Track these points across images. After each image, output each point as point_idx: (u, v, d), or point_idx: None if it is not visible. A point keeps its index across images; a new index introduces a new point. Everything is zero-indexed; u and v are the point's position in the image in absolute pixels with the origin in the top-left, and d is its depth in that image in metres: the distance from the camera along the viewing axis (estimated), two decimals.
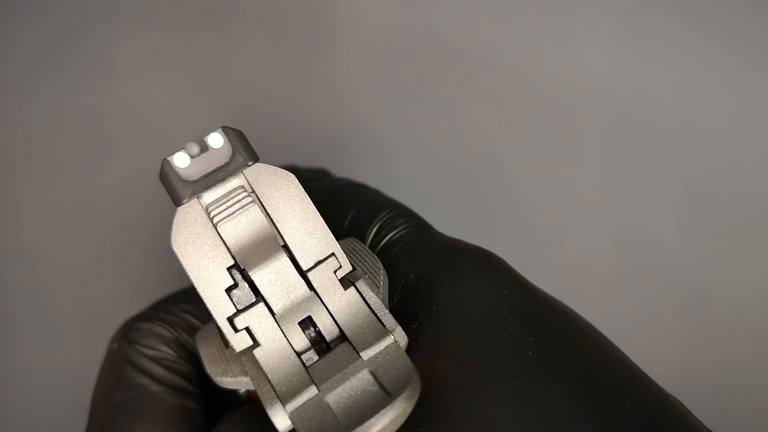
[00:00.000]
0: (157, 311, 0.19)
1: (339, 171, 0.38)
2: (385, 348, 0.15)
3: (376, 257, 0.18)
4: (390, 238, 0.19)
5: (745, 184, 0.36)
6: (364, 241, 0.20)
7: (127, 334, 0.18)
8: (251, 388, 0.15)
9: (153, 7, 0.39)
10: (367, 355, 0.15)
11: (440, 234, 0.20)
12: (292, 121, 0.38)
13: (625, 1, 0.38)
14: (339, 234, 0.20)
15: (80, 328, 0.36)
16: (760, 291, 0.36)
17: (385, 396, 0.14)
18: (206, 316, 0.18)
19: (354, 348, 0.15)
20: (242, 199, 0.15)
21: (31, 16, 0.39)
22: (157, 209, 0.37)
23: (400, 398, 0.14)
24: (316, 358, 0.15)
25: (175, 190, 0.16)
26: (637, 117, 0.37)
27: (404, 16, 0.39)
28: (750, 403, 0.35)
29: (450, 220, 0.37)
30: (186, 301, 0.19)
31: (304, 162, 0.37)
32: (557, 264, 0.37)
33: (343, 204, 0.21)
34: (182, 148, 0.16)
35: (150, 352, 0.18)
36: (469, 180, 0.38)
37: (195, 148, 0.16)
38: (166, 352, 0.18)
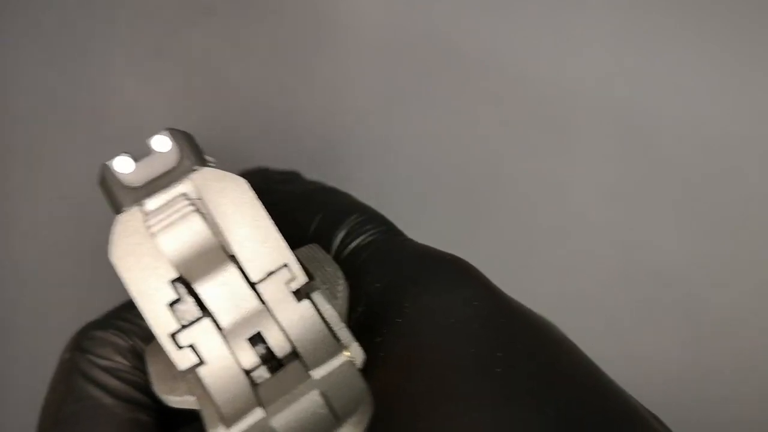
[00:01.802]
0: (113, 318, 0.18)
1: (339, 171, 0.38)
2: (339, 366, 0.14)
3: (337, 266, 0.17)
4: (358, 243, 0.19)
5: (746, 184, 0.36)
6: (329, 247, 0.19)
7: (80, 343, 0.18)
8: (197, 407, 0.14)
9: (153, 5, 0.39)
10: (318, 374, 0.14)
11: (411, 241, 0.19)
12: (292, 120, 0.38)
13: (626, 1, 0.37)
14: (304, 239, 0.19)
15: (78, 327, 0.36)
16: (760, 293, 0.35)
17: (333, 420, 0.13)
18: None
19: (305, 365, 0.14)
20: (182, 207, 0.14)
21: (31, 15, 0.39)
22: None
23: (346, 424, 0.13)
24: (267, 375, 0.14)
25: (114, 197, 0.15)
26: (637, 117, 0.37)
27: (404, 16, 0.39)
28: (750, 405, 0.35)
29: (450, 220, 0.37)
30: None
31: (304, 163, 0.37)
32: (557, 264, 0.37)
33: (312, 208, 0.21)
34: (124, 151, 0.15)
35: (103, 363, 0.17)
36: (469, 180, 0.37)
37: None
38: (120, 362, 0.17)
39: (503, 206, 0.37)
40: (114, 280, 0.36)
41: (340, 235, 0.19)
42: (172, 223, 0.14)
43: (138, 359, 0.17)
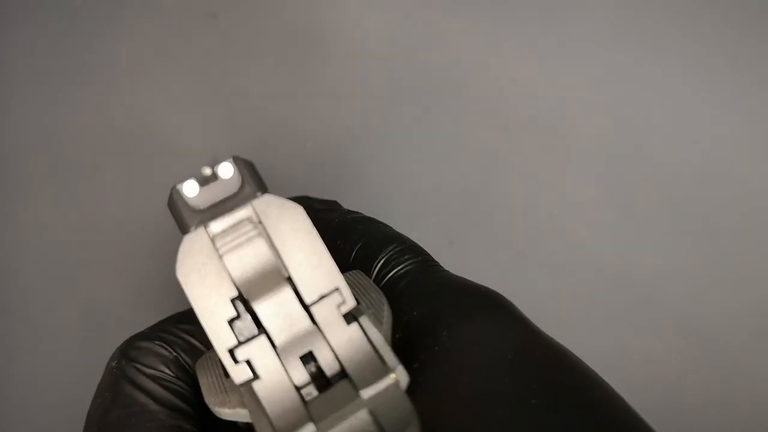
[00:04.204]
0: (158, 331, 0.19)
1: (340, 172, 0.38)
2: (386, 387, 0.15)
3: (380, 292, 0.18)
4: (395, 272, 0.19)
5: (737, 192, 0.37)
6: (369, 275, 0.20)
7: (127, 352, 0.18)
8: (249, 420, 0.15)
9: (156, 9, 0.40)
10: (367, 393, 0.14)
11: (446, 272, 0.20)
12: (292, 124, 0.39)
13: (619, 10, 0.38)
14: (345, 266, 0.20)
15: (83, 333, 0.36)
16: (749, 297, 0.36)
17: None
18: (207, 338, 0.18)
19: (354, 385, 0.15)
20: (249, 231, 0.15)
21: (36, 18, 0.39)
22: (158, 210, 0.37)
23: None
24: (315, 393, 0.15)
25: (182, 218, 0.15)
26: (631, 126, 0.38)
27: (405, 27, 0.40)
28: (736, 410, 0.35)
29: (449, 224, 0.38)
30: (187, 322, 0.19)
31: (303, 167, 0.38)
32: (550, 266, 0.37)
33: (351, 236, 0.21)
34: (192, 176, 0.16)
35: (149, 371, 0.18)
36: (467, 183, 0.38)
37: (207, 170, 0.16)
38: (165, 372, 0.18)
39: (499, 209, 0.38)
40: (117, 286, 0.36)
41: (379, 263, 0.20)
42: (238, 245, 0.15)
43: (182, 370, 0.18)
